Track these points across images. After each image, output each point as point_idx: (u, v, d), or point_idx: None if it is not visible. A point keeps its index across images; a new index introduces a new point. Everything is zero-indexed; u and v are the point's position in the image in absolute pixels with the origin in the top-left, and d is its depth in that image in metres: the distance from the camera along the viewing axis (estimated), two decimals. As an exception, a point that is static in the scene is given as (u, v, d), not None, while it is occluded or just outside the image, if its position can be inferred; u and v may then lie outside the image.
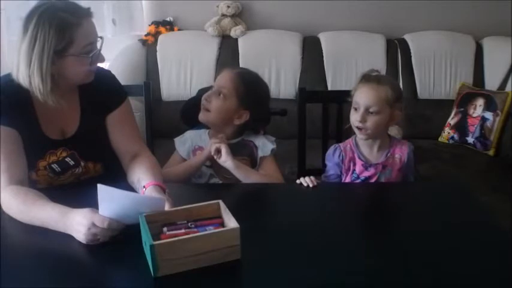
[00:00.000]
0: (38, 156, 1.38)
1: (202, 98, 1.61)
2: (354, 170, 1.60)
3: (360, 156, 1.60)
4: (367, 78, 1.55)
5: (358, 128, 1.53)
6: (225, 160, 1.52)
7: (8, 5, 2.28)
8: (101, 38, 1.35)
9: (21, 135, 1.33)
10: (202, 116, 1.62)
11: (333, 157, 1.62)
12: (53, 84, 1.28)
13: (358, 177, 1.59)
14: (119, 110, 1.47)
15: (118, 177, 1.41)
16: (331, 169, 1.63)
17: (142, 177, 1.33)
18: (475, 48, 2.96)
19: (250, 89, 1.60)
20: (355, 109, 1.54)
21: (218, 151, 1.52)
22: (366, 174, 1.59)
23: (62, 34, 1.25)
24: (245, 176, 1.54)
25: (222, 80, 1.60)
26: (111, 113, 1.46)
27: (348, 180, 1.61)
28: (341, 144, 1.64)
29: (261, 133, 1.71)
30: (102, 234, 1.10)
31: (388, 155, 1.59)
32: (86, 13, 1.31)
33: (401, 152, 1.59)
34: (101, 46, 1.35)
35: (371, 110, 1.50)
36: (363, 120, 1.51)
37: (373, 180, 1.58)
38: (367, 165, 1.59)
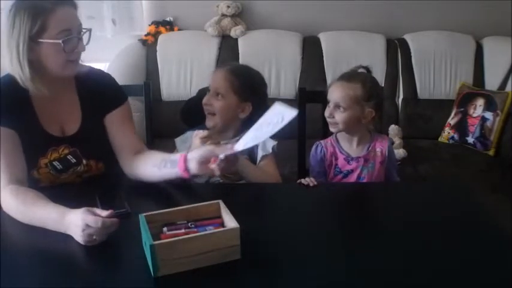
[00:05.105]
0: (39, 153, 1.37)
1: (203, 104, 1.62)
2: (336, 164, 1.63)
3: (341, 150, 1.64)
4: (343, 75, 1.61)
5: (329, 122, 1.61)
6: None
7: (8, 5, 2.27)
8: (86, 29, 1.34)
9: (21, 134, 1.33)
10: (208, 122, 1.63)
11: (315, 154, 1.66)
12: (34, 72, 1.29)
13: (340, 172, 1.62)
14: (118, 110, 1.47)
15: (120, 177, 1.41)
16: (316, 166, 1.66)
17: (167, 156, 1.35)
18: (475, 48, 2.95)
19: (245, 80, 1.61)
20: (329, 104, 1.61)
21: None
22: (348, 167, 1.61)
23: (35, 19, 1.26)
24: (249, 171, 1.53)
25: (216, 80, 1.62)
26: (110, 113, 1.46)
27: (331, 175, 1.63)
28: (322, 141, 1.68)
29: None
30: (98, 234, 1.09)
31: (370, 148, 1.63)
32: (63, 1, 1.30)
33: (382, 146, 1.63)
34: (81, 36, 1.33)
35: (340, 106, 1.56)
36: (331, 115, 1.59)
37: (355, 174, 1.60)
38: (348, 159, 1.62)
